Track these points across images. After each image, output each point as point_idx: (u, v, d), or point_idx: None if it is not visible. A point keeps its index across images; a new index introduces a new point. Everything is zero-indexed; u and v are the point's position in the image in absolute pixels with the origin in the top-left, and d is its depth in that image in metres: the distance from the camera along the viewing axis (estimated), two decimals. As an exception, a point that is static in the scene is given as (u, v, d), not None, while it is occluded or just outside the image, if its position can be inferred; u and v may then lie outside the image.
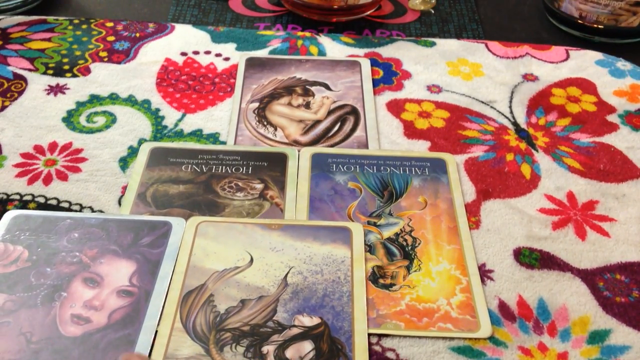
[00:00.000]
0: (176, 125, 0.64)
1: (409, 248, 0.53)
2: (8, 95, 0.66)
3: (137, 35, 0.75)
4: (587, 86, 0.70)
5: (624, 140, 0.64)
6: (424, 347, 0.47)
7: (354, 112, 0.66)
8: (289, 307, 0.48)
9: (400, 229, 0.54)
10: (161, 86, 0.68)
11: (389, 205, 0.56)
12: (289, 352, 0.45)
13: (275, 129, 0.64)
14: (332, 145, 0.62)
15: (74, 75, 0.69)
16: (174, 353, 0.45)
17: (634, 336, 0.48)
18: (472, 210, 0.57)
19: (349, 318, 0.47)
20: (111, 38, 0.74)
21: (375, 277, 0.51)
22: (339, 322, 0.47)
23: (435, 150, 0.62)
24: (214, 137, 0.63)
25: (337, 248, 0.52)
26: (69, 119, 0.64)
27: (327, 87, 0.69)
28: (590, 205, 0.58)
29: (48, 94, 0.67)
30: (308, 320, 0.47)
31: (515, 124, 0.66)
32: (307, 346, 0.46)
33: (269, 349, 0.45)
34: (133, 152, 0.61)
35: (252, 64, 0.72)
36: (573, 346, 0.47)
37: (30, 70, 0.69)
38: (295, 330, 0.46)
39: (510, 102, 0.68)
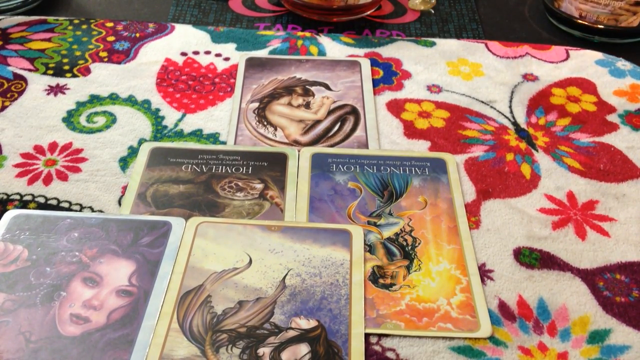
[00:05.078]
0: (176, 125, 0.64)
1: (409, 248, 0.53)
2: (8, 95, 0.66)
3: (137, 35, 0.75)
4: (587, 86, 0.70)
5: (624, 140, 0.64)
6: (424, 347, 0.47)
7: (354, 112, 0.66)
8: (286, 310, 0.48)
9: (400, 229, 0.54)
10: (161, 86, 0.68)
11: (389, 205, 0.56)
12: (285, 355, 0.45)
13: (275, 129, 0.64)
14: (332, 145, 0.62)
15: (74, 76, 0.69)
16: (169, 353, 0.45)
17: (634, 336, 0.48)
18: (472, 210, 0.57)
19: (346, 321, 0.47)
20: (111, 38, 0.74)
21: (375, 277, 0.51)
22: (336, 325, 0.47)
23: (435, 150, 0.62)
24: (214, 137, 0.63)
25: (337, 251, 0.52)
26: (69, 119, 0.64)
27: (327, 87, 0.69)
28: (590, 205, 0.57)
29: (48, 94, 0.67)
30: (305, 323, 0.47)
31: (515, 123, 0.65)
32: (303, 349, 0.45)
33: (264, 351, 0.45)
34: (133, 152, 0.61)
35: (252, 64, 0.72)
36: (573, 346, 0.47)
37: (30, 70, 0.69)
38: (291, 333, 0.46)
39: (510, 102, 0.68)
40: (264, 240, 0.52)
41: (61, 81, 0.68)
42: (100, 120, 0.64)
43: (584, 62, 0.74)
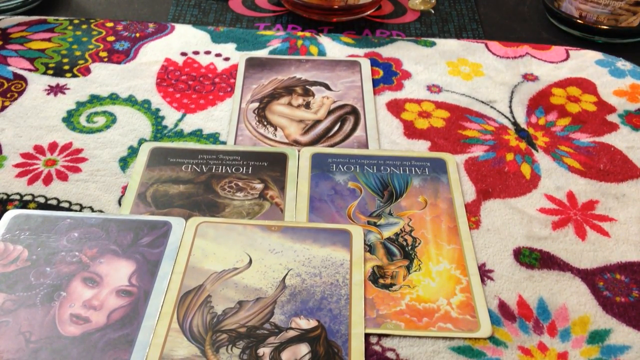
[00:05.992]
0: (176, 125, 0.64)
1: (409, 248, 0.53)
2: (8, 95, 0.66)
3: (137, 35, 0.75)
4: (587, 86, 0.70)
5: (624, 140, 0.64)
6: (424, 347, 0.47)
7: (354, 112, 0.66)
8: (286, 310, 0.48)
9: (400, 229, 0.54)
10: (161, 86, 0.68)
11: (389, 205, 0.56)
12: (285, 355, 0.45)
13: (275, 129, 0.64)
14: (332, 145, 0.62)
15: (74, 76, 0.69)
16: (169, 353, 0.45)
17: (634, 336, 0.48)
18: (472, 210, 0.57)
19: (346, 321, 0.47)
20: (111, 38, 0.74)
21: (375, 277, 0.51)
22: (336, 325, 0.47)
23: (435, 150, 0.62)
24: (214, 137, 0.63)
25: (337, 251, 0.52)
26: (69, 119, 0.64)
27: (327, 87, 0.69)
28: (590, 205, 0.57)
29: (48, 94, 0.67)
30: (305, 323, 0.47)
31: (515, 123, 0.65)
32: (303, 349, 0.45)
33: (264, 351, 0.45)
34: (133, 152, 0.61)
35: (252, 64, 0.72)
36: (573, 346, 0.47)
37: (30, 70, 0.69)
38: (291, 333, 0.46)
39: (510, 102, 0.68)
40: (264, 240, 0.52)
41: (61, 81, 0.68)
42: (100, 120, 0.64)
43: (584, 62, 0.74)
